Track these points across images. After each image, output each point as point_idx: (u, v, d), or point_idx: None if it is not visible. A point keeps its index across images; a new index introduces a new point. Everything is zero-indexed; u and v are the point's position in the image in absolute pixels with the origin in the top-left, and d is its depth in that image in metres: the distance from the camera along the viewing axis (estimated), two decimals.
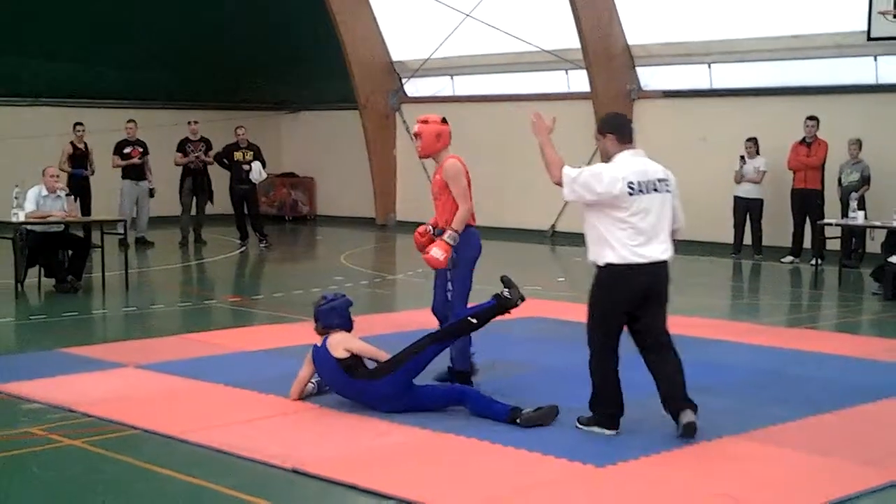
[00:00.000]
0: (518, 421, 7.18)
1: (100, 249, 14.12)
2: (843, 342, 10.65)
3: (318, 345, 7.86)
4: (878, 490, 6.09)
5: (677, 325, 11.29)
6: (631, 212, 6.91)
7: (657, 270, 7.02)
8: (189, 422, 7.32)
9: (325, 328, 7.93)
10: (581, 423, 7.19)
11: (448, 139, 8.40)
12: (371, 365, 7.74)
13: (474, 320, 7.75)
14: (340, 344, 7.76)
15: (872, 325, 12.15)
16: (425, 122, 8.41)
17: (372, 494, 5.92)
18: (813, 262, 15.99)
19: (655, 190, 7.02)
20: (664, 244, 7.05)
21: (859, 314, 12.67)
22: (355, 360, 7.72)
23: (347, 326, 7.97)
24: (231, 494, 5.98)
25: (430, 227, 8.49)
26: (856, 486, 6.07)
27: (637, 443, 6.85)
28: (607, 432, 7.09)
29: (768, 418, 7.49)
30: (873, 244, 15.72)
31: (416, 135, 8.46)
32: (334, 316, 7.95)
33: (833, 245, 15.85)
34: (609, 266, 6.96)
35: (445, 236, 8.14)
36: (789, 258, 17.00)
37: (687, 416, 6.96)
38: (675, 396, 7.10)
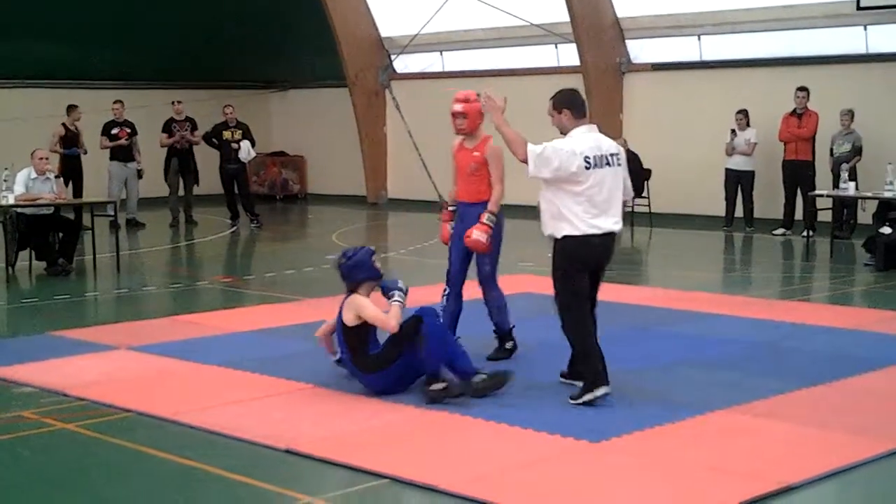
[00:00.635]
0: (470, 394, 7.24)
1: (90, 231, 14.08)
2: (836, 314, 10.65)
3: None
4: (871, 461, 6.10)
5: (670, 298, 11.34)
6: (587, 185, 7.20)
7: (608, 241, 7.34)
8: (182, 403, 7.31)
9: (354, 285, 7.63)
10: (574, 399, 7.20)
11: (483, 119, 8.57)
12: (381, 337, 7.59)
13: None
14: (353, 307, 7.49)
15: (864, 296, 12.17)
16: (466, 100, 8.62)
17: (366, 473, 5.92)
18: (804, 233, 15.99)
19: (608, 164, 7.32)
20: (615, 216, 7.37)
21: (851, 285, 12.69)
22: (361, 332, 7.51)
23: (376, 275, 7.69)
24: (225, 475, 5.98)
25: (451, 224, 8.79)
26: (848, 458, 6.08)
27: (630, 417, 6.85)
28: (601, 391, 7.17)
29: (761, 391, 7.50)
30: (865, 215, 15.72)
31: (460, 114, 8.61)
32: (359, 271, 7.65)
33: (825, 216, 15.85)
34: (566, 238, 7.27)
35: (485, 219, 8.39)
36: (781, 230, 17.00)
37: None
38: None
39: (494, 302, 8.70)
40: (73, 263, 13.63)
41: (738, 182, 17.76)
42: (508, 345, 8.72)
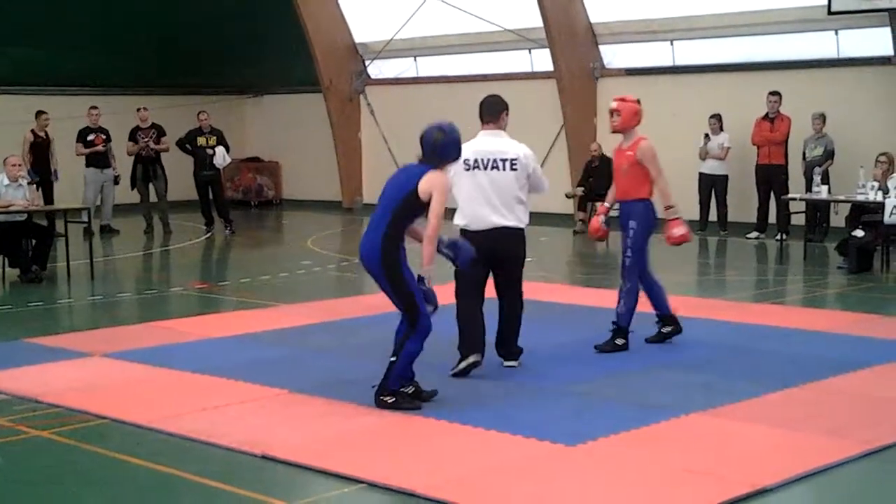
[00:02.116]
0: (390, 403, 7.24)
1: (64, 238, 14.00)
2: (810, 316, 10.72)
3: (416, 164, 7.36)
4: (844, 462, 6.14)
5: (645, 302, 11.36)
6: (468, 185, 8.15)
7: (496, 235, 8.16)
8: (157, 410, 7.28)
9: (438, 161, 7.30)
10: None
11: (640, 119, 9.19)
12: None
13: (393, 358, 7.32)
14: (436, 183, 7.14)
15: (838, 298, 12.24)
16: (623, 100, 9.16)
17: (342, 478, 5.91)
18: (778, 237, 16.07)
19: (496, 167, 8.19)
20: (499, 212, 8.17)
21: (825, 288, 12.75)
22: (415, 209, 7.16)
23: (456, 160, 7.52)
24: (200, 482, 5.96)
25: (603, 217, 9.47)
26: (823, 459, 6.12)
27: (606, 421, 6.87)
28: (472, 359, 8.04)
29: (736, 393, 7.54)
30: (837, 218, 15.81)
31: (616, 111, 9.12)
32: (453, 150, 7.37)
33: (798, 220, 15.94)
34: (461, 229, 8.25)
35: (671, 212, 9.14)
36: (755, 234, 17.09)
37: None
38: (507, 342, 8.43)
39: (624, 295, 9.10)
40: (47, 270, 13.56)
41: (712, 186, 17.84)
42: (619, 342, 9.01)
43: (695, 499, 5.56)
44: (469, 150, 8.06)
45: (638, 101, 9.23)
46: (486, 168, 8.21)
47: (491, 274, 8.36)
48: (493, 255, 8.18)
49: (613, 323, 9.08)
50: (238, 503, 5.71)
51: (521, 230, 8.36)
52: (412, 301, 7.24)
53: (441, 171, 7.30)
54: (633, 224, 9.05)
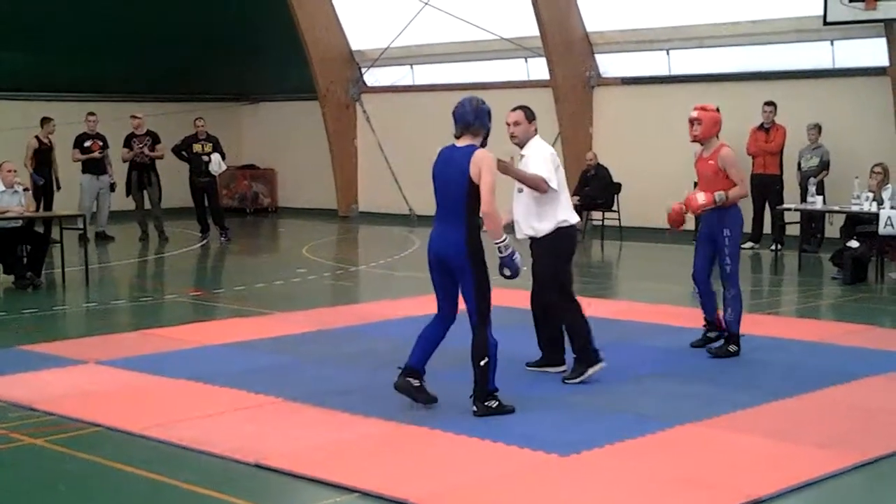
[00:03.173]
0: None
1: (59, 245, 13.99)
2: (804, 327, 10.72)
3: (454, 147, 7.38)
4: (839, 473, 6.14)
5: (640, 312, 11.38)
6: (562, 181, 8.30)
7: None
8: (151, 418, 7.28)
9: (476, 131, 7.34)
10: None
11: (720, 128, 9.38)
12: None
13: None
14: (484, 162, 7.18)
15: (832, 309, 12.24)
16: (703, 109, 9.31)
17: (336, 487, 5.91)
18: (773, 247, 16.08)
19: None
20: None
21: (819, 299, 12.77)
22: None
23: (488, 131, 7.44)
24: (194, 490, 5.96)
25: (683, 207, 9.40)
26: (817, 470, 6.12)
27: (600, 431, 6.88)
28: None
29: (730, 404, 7.54)
30: (832, 229, 15.82)
31: (696, 120, 9.28)
32: (487, 118, 7.35)
33: (793, 230, 15.95)
34: (569, 225, 8.38)
35: (716, 196, 9.04)
36: (749, 244, 17.08)
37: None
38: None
39: (730, 302, 9.16)
40: (42, 277, 13.55)
41: None
42: (732, 348, 9.15)
43: None
44: (550, 149, 8.31)
45: (717, 110, 9.38)
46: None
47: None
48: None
49: (723, 330, 9.25)
50: None
51: None
52: (488, 295, 7.27)
53: (484, 149, 7.29)
54: (728, 231, 9.12)
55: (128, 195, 19.20)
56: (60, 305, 12.59)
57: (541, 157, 8.18)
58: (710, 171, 9.20)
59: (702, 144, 9.35)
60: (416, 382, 7.43)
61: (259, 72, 24.73)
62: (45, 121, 18.29)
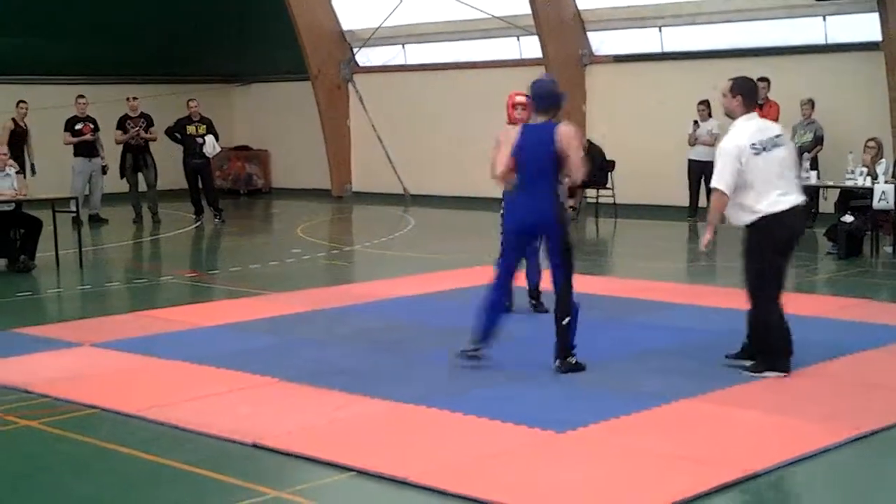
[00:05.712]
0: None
1: (52, 228, 13.92)
2: (799, 302, 10.66)
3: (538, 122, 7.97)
4: (835, 447, 6.15)
5: (637, 288, 11.39)
6: (763, 165, 7.75)
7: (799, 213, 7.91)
8: (147, 399, 7.26)
9: (556, 110, 7.99)
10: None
11: None
12: None
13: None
14: (570, 135, 7.82)
15: (827, 284, 12.25)
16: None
17: (333, 467, 5.91)
18: None
19: (775, 146, 7.78)
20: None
21: (814, 274, 12.77)
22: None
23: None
24: (191, 471, 5.95)
25: None
26: (812, 444, 6.12)
27: (596, 407, 6.88)
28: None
29: (727, 380, 7.55)
30: (826, 204, 15.79)
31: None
32: (562, 98, 8.07)
33: None
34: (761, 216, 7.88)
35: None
36: None
37: None
38: None
39: None
40: (35, 260, 13.51)
41: (702, 172, 17.78)
42: None
43: (686, 484, 5.55)
44: (747, 133, 7.74)
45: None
46: (771, 148, 7.74)
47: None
48: (795, 237, 7.97)
49: None
50: (228, 492, 5.70)
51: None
52: (573, 258, 7.85)
53: (568, 124, 7.92)
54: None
55: (122, 177, 19.16)
56: (55, 288, 12.56)
57: (720, 146, 7.93)
58: None
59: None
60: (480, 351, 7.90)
61: (250, 53, 24.65)
62: (18, 103, 18.16)
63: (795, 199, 7.80)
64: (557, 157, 7.74)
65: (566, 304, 7.77)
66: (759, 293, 7.92)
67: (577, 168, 7.81)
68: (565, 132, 7.77)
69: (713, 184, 7.79)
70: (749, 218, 7.75)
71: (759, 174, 7.65)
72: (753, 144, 7.65)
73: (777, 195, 7.70)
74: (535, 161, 7.82)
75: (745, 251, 7.97)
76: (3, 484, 5.93)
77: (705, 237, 7.93)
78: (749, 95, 7.90)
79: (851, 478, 5.95)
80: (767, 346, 7.83)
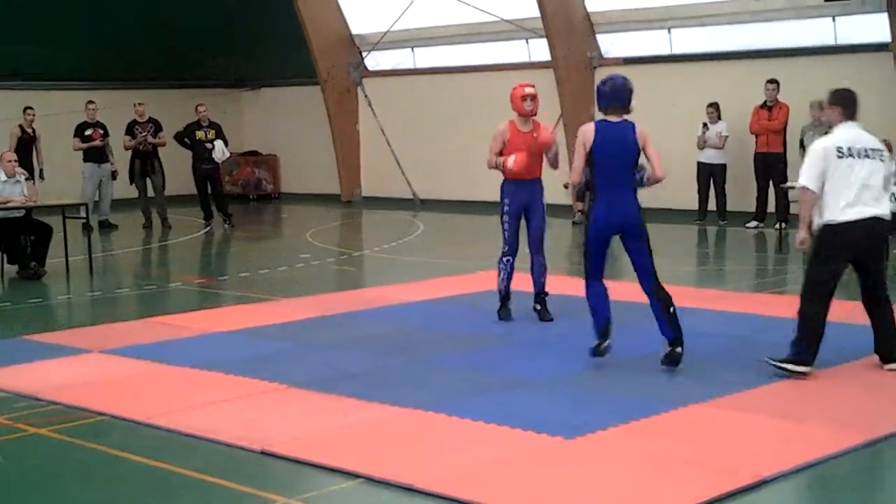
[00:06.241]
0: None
1: (62, 234, 13.95)
2: None
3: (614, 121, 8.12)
4: (846, 453, 6.13)
5: (644, 293, 11.32)
6: (844, 173, 7.88)
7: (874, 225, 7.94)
8: (156, 406, 7.27)
9: (626, 107, 8.16)
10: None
11: None
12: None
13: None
14: (648, 137, 8.16)
15: (838, 287, 12.15)
16: None
17: (341, 473, 5.90)
18: (777, 226, 16.04)
19: (866, 156, 7.95)
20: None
21: None
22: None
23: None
24: (200, 478, 5.95)
25: None
26: (824, 450, 6.10)
27: (605, 412, 6.86)
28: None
29: (736, 384, 7.53)
30: None
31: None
32: (631, 95, 8.18)
33: (797, 208, 15.85)
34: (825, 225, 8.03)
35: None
36: (754, 223, 17.04)
37: None
38: None
39: None
40: (46, 266, 13.53)
41: (711, 175, 17.80)
42: None
43: (697, 490, 5.54)
44: (838, 137, 7.95)
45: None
46: (860, 157, 7.88)
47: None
48: (854, 249, 7.94)
49: None
50: (237, 499, 5.71)
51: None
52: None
53: (641, 125, 8.15)
54: None
55: (131, 183, 19.18)
56: (65, 295, 12.57)
57: (811, 146, 8.14)
58: None
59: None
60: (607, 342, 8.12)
61: (259, 57, 24.67)
62: (25, 109, 18.19)
63: (863, 210, 7.76)
64: (637, 155, 8.04)
65: (667, 293, 8.05)
66: (804, 295, 8.13)
67: (660, 166, 8.18)
68: (645, 131, 8.10)
69: (799, 182, 7.92)
70: (817, 221, 7.93)
71: (837, 180, 7.76)
72: (839, 148, 7.80)
73: (844, 205, 7.74)
74: (617, 159, 8.04)
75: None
76: (12, 491, 5.93)
77: (800, 234, 8.03)
78: (847, 105, 8.14)
79: (863, 483, 5.93)
80: (796, 338, 7.90)
